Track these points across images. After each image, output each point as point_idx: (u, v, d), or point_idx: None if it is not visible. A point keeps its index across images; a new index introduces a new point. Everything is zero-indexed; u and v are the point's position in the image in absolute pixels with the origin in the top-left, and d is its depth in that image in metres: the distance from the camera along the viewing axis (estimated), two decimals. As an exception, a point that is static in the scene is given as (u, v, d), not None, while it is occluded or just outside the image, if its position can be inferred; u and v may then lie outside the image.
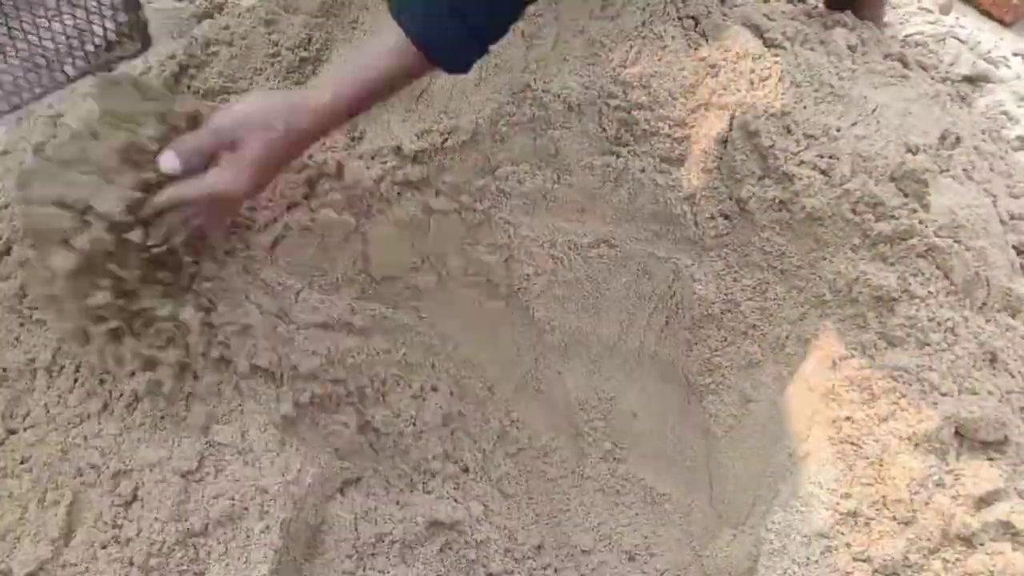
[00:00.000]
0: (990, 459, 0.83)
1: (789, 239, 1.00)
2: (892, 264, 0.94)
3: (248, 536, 0.85)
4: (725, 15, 1.13)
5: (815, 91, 1.05)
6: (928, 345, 0.89)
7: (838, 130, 1.00)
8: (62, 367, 0.94)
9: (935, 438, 0.83)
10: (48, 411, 0.92)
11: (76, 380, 0.94)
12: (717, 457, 1.03)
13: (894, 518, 0.81)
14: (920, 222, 0.94)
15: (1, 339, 0.97)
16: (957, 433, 0.85)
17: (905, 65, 1.19)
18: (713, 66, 1.07)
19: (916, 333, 0.90)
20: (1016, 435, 0.85)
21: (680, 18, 1.11)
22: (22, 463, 0.89)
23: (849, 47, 1.17)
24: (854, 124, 1.03)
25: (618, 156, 1.04)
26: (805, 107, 1.03)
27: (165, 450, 0.87)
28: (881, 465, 0.84)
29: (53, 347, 0.95)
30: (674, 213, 1.04)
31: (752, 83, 1.04)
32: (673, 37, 1.10)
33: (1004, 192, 1.07)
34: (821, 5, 1.29)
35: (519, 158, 1.05)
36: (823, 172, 0.97)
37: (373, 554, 0.93)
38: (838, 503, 0.82)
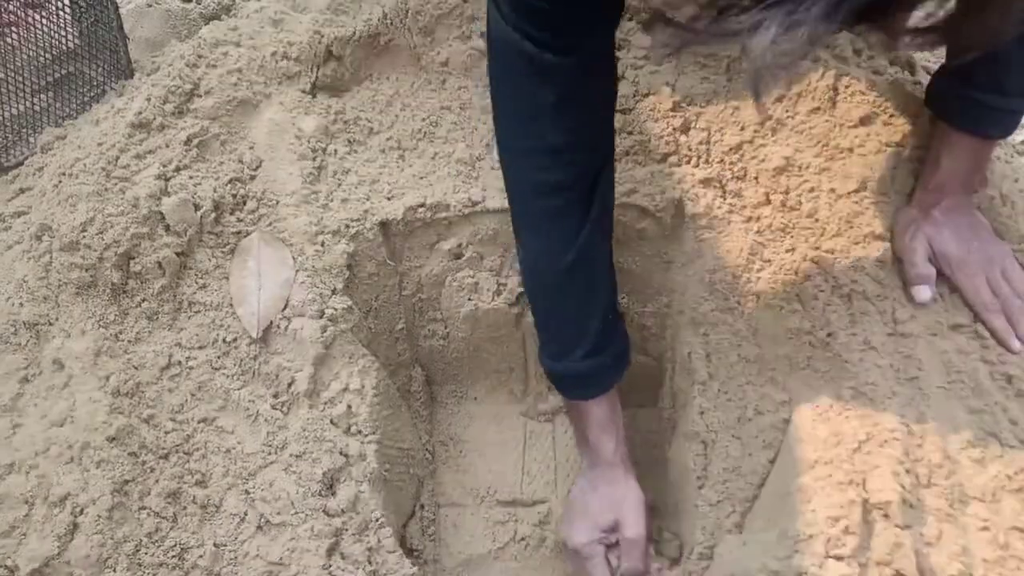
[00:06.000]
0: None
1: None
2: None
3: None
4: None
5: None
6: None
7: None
8: (68, 363, 0.94)
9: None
10: (54, 406, 0.92)
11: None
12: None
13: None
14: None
15: (8, 335, 0.97)
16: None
17: (912, 70, 1.18)
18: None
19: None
20: None
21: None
22: (28, 459, 0.89)
23: (855, 51, 1.17)
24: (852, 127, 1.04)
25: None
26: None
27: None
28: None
29: (58, 342, 0.95)
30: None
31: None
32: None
33: (1019, 197, 1.06)
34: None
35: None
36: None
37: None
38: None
